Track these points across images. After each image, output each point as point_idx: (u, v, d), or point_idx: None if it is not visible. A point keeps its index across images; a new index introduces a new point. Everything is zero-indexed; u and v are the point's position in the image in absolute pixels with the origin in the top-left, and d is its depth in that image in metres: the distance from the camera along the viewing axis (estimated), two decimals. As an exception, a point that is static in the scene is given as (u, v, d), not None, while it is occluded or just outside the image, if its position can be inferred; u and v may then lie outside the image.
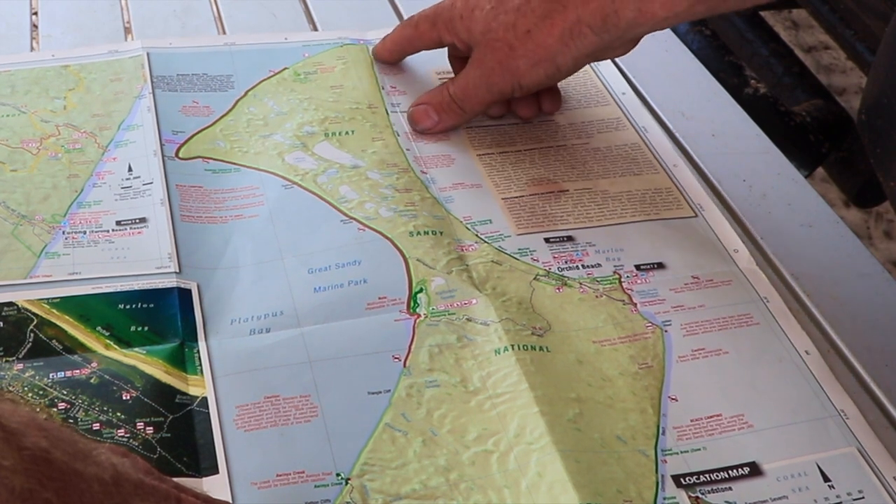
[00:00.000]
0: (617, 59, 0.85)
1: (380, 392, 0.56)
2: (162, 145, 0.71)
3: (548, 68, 0.68)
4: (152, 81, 0.77)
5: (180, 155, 0.71)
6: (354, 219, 0.66)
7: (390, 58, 0.80)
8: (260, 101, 0.76)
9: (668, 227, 0.68)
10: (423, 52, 0.83)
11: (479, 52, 0.70)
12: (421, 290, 0.62)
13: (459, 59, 0.75)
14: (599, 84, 0.81)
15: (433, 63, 0.82)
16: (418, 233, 0.65)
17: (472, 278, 0.63)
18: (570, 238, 0.66)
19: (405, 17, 0.89)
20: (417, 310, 0.61)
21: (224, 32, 0.86)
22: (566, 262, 0.65)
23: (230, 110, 0.75)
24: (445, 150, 0.73)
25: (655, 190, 0.71)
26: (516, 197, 0.69)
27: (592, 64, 0.83)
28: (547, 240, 0.66)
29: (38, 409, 0.54)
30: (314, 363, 0.58)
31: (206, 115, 0.75)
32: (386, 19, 0.88)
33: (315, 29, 0.87)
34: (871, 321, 0.64)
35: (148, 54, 0.79)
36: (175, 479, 0.47)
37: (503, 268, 0.64)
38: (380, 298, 0.61)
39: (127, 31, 0.86)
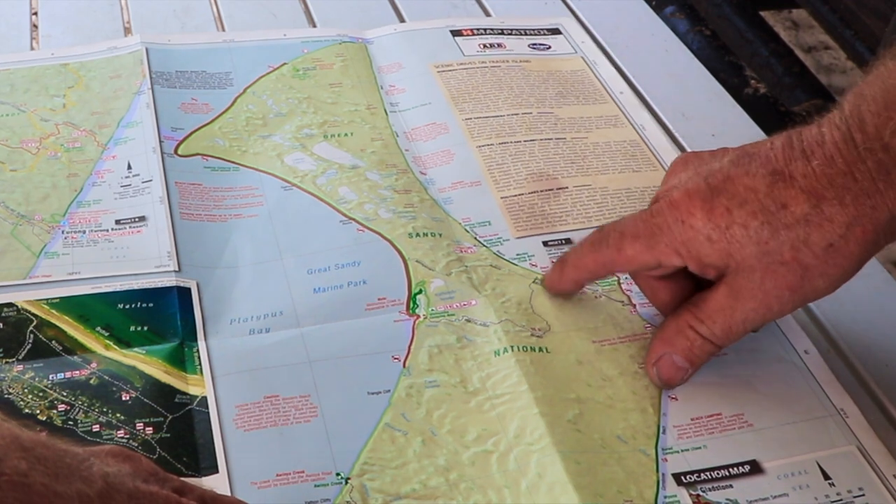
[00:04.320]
0: (616, 59, 0.85)
1: (379, 392, 0.56)
2: (161, 142, 0.71)
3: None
4: (151, 77, 0.77)
5: (179, 152, 0.71)
6: (354, 219, 0.66)
7: (573, 289, 0.62)
8: (259, 98, 0.76)
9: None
10: (420, 44, 0.82)
11: (745, 278, 0.55)
12: (420, 291, 0.62)
13: (665, 278, 0.59)
14: (597, 83, 0.81)
15: (433, 57, 0.82)
16: (417, 234, 0.65)
17: (472, 279, 0.63)
18: (568, 241, 0.66)
19: (404, 15, 0.89)
20: (417, 311, 0.61)
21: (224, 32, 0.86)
22: None
23: (229, 107, 0.75)
24: (445, 144, 0.73)
25: (654, 188, 0.70)
26: (515, 195, 0.69)
27: (590, 63, 0.83)
28: (545, 243, 0.66)
29: (37, 412, 0.53)
30: (314, 363, 0.58)
31: (206, 112, 0.75)
32: (385, 18, 0.88)
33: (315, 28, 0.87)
34: (871, 321, 0.64)
35: (147, 49, 0.79)
36: (181, 479, 0.47)
37: (502, 271, 0.64)
38: (379, 299, 0.61)
39: (127, 30, 0.86)
